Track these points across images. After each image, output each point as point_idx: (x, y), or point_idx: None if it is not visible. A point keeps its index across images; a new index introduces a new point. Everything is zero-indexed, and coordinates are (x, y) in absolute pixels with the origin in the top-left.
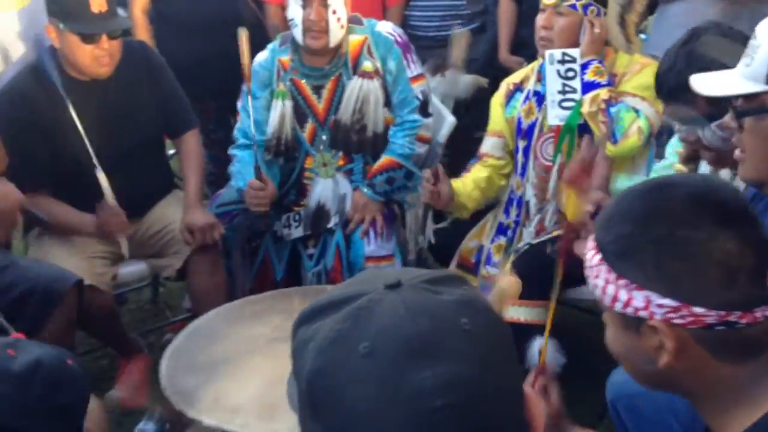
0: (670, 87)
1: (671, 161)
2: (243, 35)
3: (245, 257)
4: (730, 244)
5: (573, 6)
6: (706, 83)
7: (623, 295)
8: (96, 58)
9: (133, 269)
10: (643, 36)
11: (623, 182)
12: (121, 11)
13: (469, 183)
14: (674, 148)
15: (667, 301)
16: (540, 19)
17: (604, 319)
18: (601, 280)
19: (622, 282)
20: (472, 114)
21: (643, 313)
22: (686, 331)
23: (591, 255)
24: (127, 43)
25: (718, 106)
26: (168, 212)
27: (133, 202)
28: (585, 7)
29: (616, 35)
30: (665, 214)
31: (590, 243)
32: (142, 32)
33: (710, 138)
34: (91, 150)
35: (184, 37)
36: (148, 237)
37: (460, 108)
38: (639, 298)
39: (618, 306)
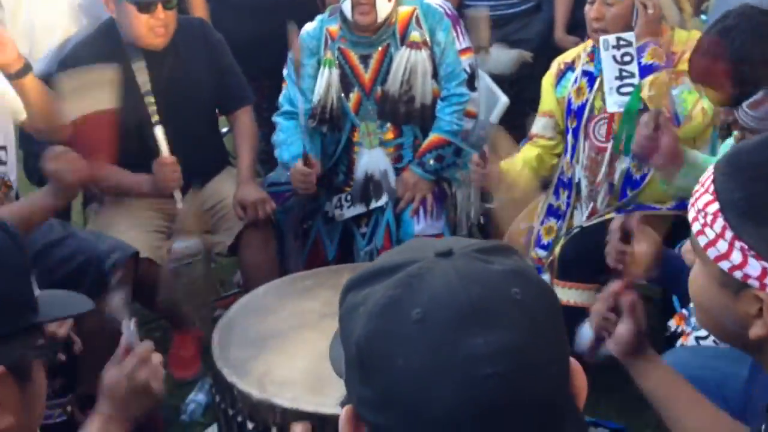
0: (698, 72)
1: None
2: (293, 31)
3: (298, 238)
4: None
5: None
6: None
7: (736, 257)
8: (151, 27)
9: (186, 244)
10: (704, 17)
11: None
12: None
13: (519, 162)
14: None
15: None
16: (590, 11)
17: (684, 255)
18: (711, 231)
19: (739, 243)
20: (515, 90)
21: (753, 282)
22: None
23: (706, 200)
24: (186, 19)
25: (744, 87)
26: (222, 188)
27: (189, 175)
28: None
29: (668, 7)
30: None
31: (707, 183)
32: (200, 11)
33: (744, 118)
34: (152, 109)
35: (239, 16)
36: (203, 212)
37: (504, 84)
38: (755, 266)
39: (725, 264)
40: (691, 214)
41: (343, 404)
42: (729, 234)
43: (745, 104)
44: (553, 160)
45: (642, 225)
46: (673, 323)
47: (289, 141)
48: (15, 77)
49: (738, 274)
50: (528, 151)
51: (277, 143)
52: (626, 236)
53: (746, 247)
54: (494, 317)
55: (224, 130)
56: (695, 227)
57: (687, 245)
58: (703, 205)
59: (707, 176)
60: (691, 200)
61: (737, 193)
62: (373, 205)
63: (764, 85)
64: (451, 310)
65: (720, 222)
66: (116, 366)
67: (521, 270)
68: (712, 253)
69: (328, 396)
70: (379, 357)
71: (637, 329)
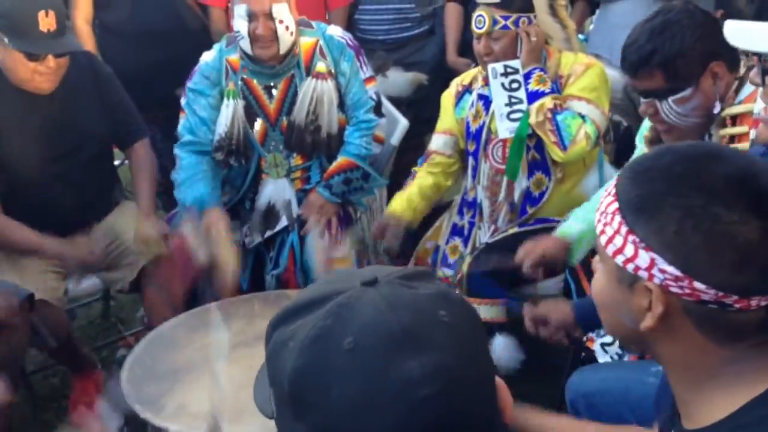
0: (632, 61)
1: (641, 148)
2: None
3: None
4: (755, 233)
5: (505, 27)
6: (745, 37)
7: (629, 250)
8: (39, 74)
9: (85, 283)
10: (581, 36)
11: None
12: None
13: (415, 196)
14: (642, 133)
15: (671, 269)
16: (478, 46)
17: (594, 265)
18: (610, 228)
19: (632, 237)
20: (413, 112)
21: (642, 273)
22: (679, 300)
23: (608, 201)
24: (73, 55)
25: (675, 81)
26: (119, 224)
27: (82, 214)
28: (516, 22)
29: (551, 27)
30: (703, 186)
31: (611, 188)
32: (87, 42)
33: (667, 112)
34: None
35: (129, 46)
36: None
37: (401, 106)
38: (645, 257)
39: (620, 258)
40: (596, 218)
41: None
42: (624, 229)
43: (671, 98)
44: (449, 182)
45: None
46: None
47: (190, 181)
48: None
49: (630, 267)
50: (423, 179)
51: (177, 182)
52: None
53: (638, 240)
54: (425, 340)
55: (118, 162)
56: (598, 228)
57: (597, 256)
58: (605, 206)
59: (612, 183)
60: (598, 205)
61: (633, 191)
62: (270, 233)
63: (694, 83)
64: (382, 336)
65: (618, 219)
66: None
67: (445, 293)
68: (610, 249)
69: (248, 425)
70: (313, 390)
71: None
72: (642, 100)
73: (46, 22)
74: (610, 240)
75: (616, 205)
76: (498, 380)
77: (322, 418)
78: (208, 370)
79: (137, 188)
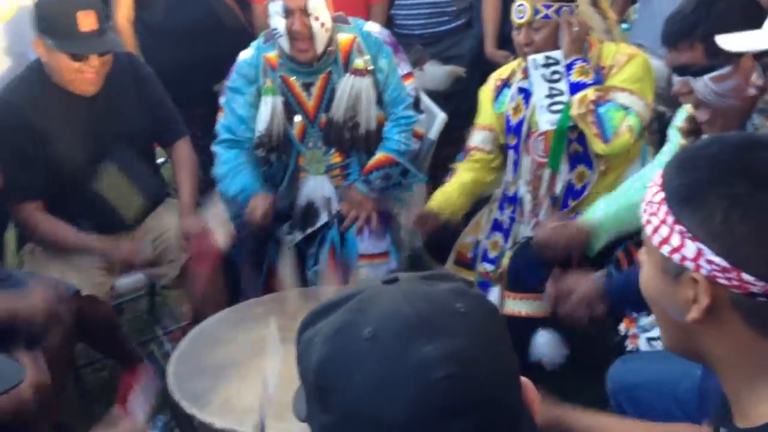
0: (673, 31)
1: (676, 141)
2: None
3: (253, 271)
4: None
5: (546, 17)
6: (736, 40)
7: (675, 240)
8: (83, 74)
9: (130, 279)
10: (624, 26)
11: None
12: None
13: (455, 192)
14: (676, 124)
15: (718, 260)
16: (518, 36)
17: (640, 257)
18: (656, 218)
19: (678, 227)
20: (451, 106)
21: (689, 264)
22: (726, 292)
23: (654, 191)
24: (114, 56)
25: (715, 58)
26: (162, 221)
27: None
28: (557, 11)
29: (592, 17)
30: (751, 174)
31: (657, 178)
32: (128, 42)
33: (703, 90)
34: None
35: (168, 44)
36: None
37: (439, 99)
38: (691, 248)
39: (665, 249)
40: (641, 208)
41: None
42: (670, 219)
43: (707, 77)
44: (490, 177)
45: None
46: (622, 327)
47: (232, 173)
48: None
49: (677, 257)
50: (464, 175)
51: (219, 177)
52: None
53: (684, 230)
54: (441, 327)
55: (161, 160)
56: (644, 218)
57: (643, 247)
58: (652, 195)
59: (659, 172)
60: (644, 197)
61: (679, 180)
62: (310, 230)
63: (734, 62)
64: (399, 323)
65: (664, 209)
66: None
67: (463, 289)
68: (656, 239)
69: (292, 422)
70: (336, 378)
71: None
72: (676, 78)
73: (87, 22)
74: (656, 230)
75: (662, 194)
76: (524, 379)
77: (345, 404)
78: (251, 365)
79: (179, 186)
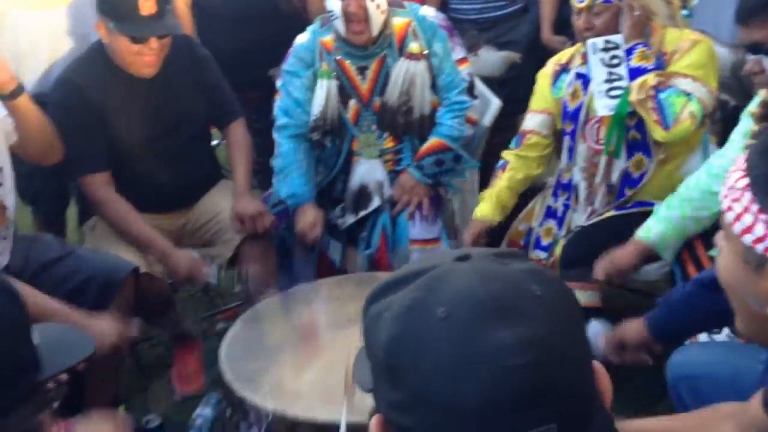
0: (746, 7)
1: (747, 126)
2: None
3: (305, 254)
4: None
5: (607, 1)
6: None
7: (760, 230)
8: (142, 57)
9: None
10: (685, 12)
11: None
12: None
13: (503, 193)
14: (749, 110)
15: None
16: (578, 21)
17: (717, 242)
18: (739, 205)
19: (764, 216)
20: (506, 91)
21: None
22: None
23: (737, 177)
24: (172, 38)
25: None
26: (217, 202)
27: (182, 193)
28: None
29: (655, 2)
30: None
31: (740, 163)
32: (186, 25)
33: None
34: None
35: (224, 28)
36: (198, 227)
37: (493, 85)
38: None
39: (748, 238)
40: (722, 193)
41: (371, 415)
42: (755, 207)
43: None
44: (539, 169)
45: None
46: None
47: (286, 171)
48: (9, 98)
49: (760, 248)
50: (514, 173)
51: (275, 169)
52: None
53: None
54: (517, 311)
55: (215, 142)
56: (725, 204)
57: (719, 233)
58: (734, 180)
59: (743, 156)
60: (725, 180)
61: (765, 167)
62: (363, 213)
63: None
64: (474, 306)
65: (747, 196)
66: None
67: (539, 270)
68: (737, 227)
69: (340, 407)
70: (407, 358)
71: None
72: (748, 57)
73: (147, 5)
74: (738, 217)
75: (746, 181)
76: (597, 364)
77: (416, 384)
78: (302, 349)
79: (234, 167)
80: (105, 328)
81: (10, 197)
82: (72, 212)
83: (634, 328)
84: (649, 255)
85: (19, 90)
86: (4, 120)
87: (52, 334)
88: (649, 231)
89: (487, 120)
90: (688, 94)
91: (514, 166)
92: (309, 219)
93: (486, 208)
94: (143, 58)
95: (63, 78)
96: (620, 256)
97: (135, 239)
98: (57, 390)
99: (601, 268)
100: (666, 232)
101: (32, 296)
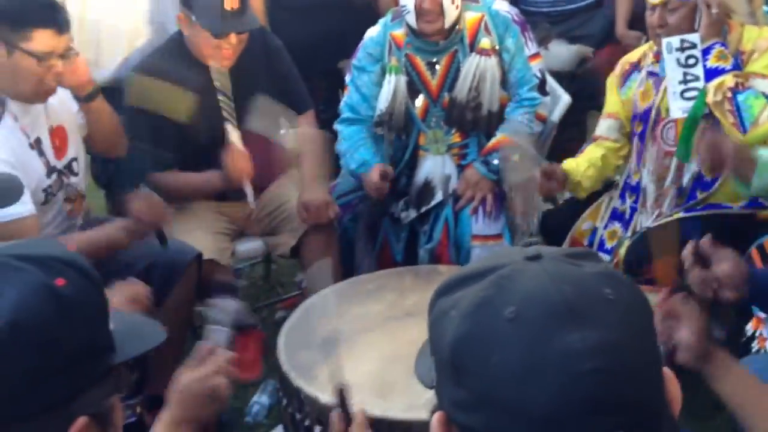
0: None
1: None
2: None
3: (368, 244)
4: None
5: None
6: None
7: None
8: (220, 50)
9: (249, 246)
10: (766, 8)
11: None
12: None
13: (583, 162)
14: None
15: None
16: (652, 17)
17: None
18: None
19: None
20: (575, 87)
21: None
22: None
23: None
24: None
25: None
26: (283, 191)
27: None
28: None
29: (737, 1)
30: None
31: None
32: (258, 14)
33: None
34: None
35: (296, 19)
36: (265, 215)
37: (564, 80)
38: None
39: None
40: None
41: (433, 411)
42: None
43: None
44: (619, 161)
45: (716, 246)
46: (750, 327)
47: (353, 148)
48: (85, 100)
49: None
50: (593, 152)
51: (341, 152)
52: (704, 261)
53: None
54: (588, 315)
55: (283, 131)
56: None
57: None
58: None
59: None
60: None
61: None
62: (425, 208)
63: None
64: (544, 307)
65: None
66: (194, 369)
67: (612, 272)
68: None
69: (397, 400)
70: (473, 357)
71: (698, 335)
72: None
73: (230, 1)
74: None
75: None
76: (666, 371)
77: (481, 385)
78: (360, 341)
79: (302, 158)
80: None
81: (82, 186)
82: None
83: (734, 259)
84: (746, 166)
85: (95, 93)
86: (78, 113)
87: (126, 321)
88: (763, 151)
89: (556, 116)
90: (767, 96)
91: (593, 148)
92: (377, 172)
93: (565, 164)
94: (221, 52)
95: (140, 67)
96: (729, 144)
97: (198, 183)
98: (127, 375)
99: (706, 141)
100: None
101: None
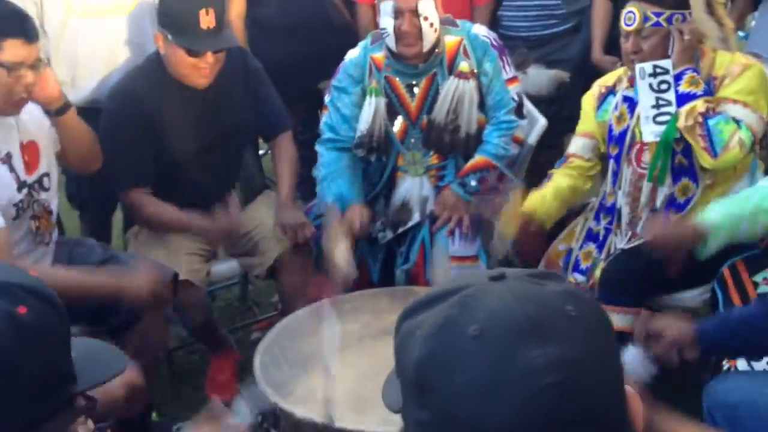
0: None
1: None
2: None
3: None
4: None
5: (657, 24)
6: None
7: None
8: (198, 69)
9: (225, 267)
10: (741, 34)
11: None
12: None
13: (549, 195)
14: None
15: None
16: (626, 44)
17: None
18: None
19: None
20: (553, 110)
21: None
22: None
23: None
24: (227, 50)
25: None
26: (260, 211)
27: (227, 202)
28: (669, 19)
29: (707, 25)
30: None
31: None
32: (239, 37)
33: None
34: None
35: (275, 40)
36: (241, 236)
37: (541, 104)
38: None
39: None
40: None
41: None
42: None
43: None
44: (587, 185)
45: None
46: None
47: (331, 177)
48: (56, 114)
49: None
50: (561, 180)
51: (318, 178)
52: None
53: None
54: (550, 331)
55: (262, 151)
56: None
57: None
58: None
59: None
60: None
61: None
62: (402, 229)
63: None
64: (507, 325)
65: None
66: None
67: (574, 291)
68: None
69: (372, 415)
70: (437, 376)
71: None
72: None
73: (207, 20)
74: None
75: None
76: (629, 389)
77: (444, 404)
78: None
79: (278, 178)
80: (139, 279)
81: (54, 202)
82: (118, 218)
83: (680, 326)
84: (698, 239)
85: (66, 107)
86: (51, 129)
87: (88, 348)
88: (707, 214)
89: (533, 139)
90: (737, 121)
91: (559, 176)
92: (357, 212)
93: (528, 203)
94: (199, 71)
95: (118, 87)
96: (672, 226)
97: (176, 223)
98: (89, 403)
99: (650, 231)
100: (723, 221)
101: (65, 275)
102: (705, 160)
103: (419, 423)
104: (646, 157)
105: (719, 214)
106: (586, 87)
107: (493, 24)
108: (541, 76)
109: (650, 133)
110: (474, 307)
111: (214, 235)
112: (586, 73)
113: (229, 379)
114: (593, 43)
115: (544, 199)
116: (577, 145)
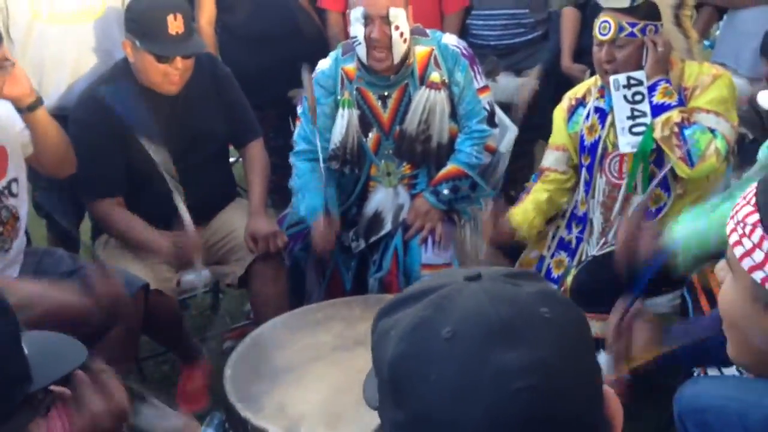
0: None
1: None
2: (307, 75)
3: (318, 274)
4: None
5: (631, 34)
6: None
7: None
8: (167, 75)
9: (195, 276)
10: (707, 42)
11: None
12: None
13: (530, 209)
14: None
15: None
16: (599, 53)
17: (718, 273)
18: (749, 241)
19: None
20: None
21: None
22: None
23: (747, 211)
24: (196, 56)
25: None
26: (231, 220)
27: (198, 209)
28: (643, 29)
29: (674, 36)
30: None
31: (749, 196)
32: (209, 43)
33: None
34: (165, 160)
35: (246, 47)
36: (212, 244)
37: (510, 112)
38: None
39: (758, 275)
40: (729, 227)
41: None
42: (767, 244)
43: None
44: (564, 197)
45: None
46: None
47: (305, 189)
48: (27, 110)
49: None
50: (539, 194)
51: (293, 190)
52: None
53: None
54: (524, 334)
55: (232, 159)
56: (732, 238)
57: (721, 263)
58: (743, 216)
59: (750, 190)
60: (731, 213)
61: None
62: (374, 238)
63: None
64: (480, 327)
65: (758, 232)
66: None
67: (550, 292)
68: (746, 263)
69: (345, 430)
70: (411, 376)
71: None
72: None
73: (175, 25)
74: (747, 253)
75: (756, 216)
76: (608, 389)
77: (419, 405)
78: (307, 371)
79: (250, 186)
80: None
81: (23, 208)
82: (86, 228)
83: (645, 334)
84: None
85: (38, 103)
86: (22, 132)
87: (43, 343)
88: (675, 233)
89: (504, 146)
90: (712, 131)
91: (537, 189)
92: (322, 229)
93: (513, 218)
94: (168, 77)
95: (86, 94)
96: (642, 238)
97: (141, 242)
98: (47, 399)
99: (621, 237)
100: (689, 239)
101: (38, 293)
102: (682, 170)
103: (394, 423)
104: (622, 167)
105: (686, 231)
106: (555, 94)
107: (463, 33)
108: (511, 84)
109: (627, 144)
110: (448, 309)
111: (170, 257)
112: (554, 81)
113: (201, 389)
114: (563, 51)
115: (526, 214)
116: (550, 158)
